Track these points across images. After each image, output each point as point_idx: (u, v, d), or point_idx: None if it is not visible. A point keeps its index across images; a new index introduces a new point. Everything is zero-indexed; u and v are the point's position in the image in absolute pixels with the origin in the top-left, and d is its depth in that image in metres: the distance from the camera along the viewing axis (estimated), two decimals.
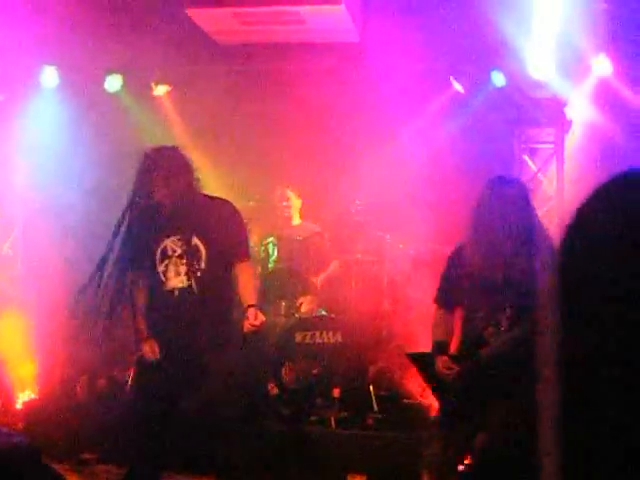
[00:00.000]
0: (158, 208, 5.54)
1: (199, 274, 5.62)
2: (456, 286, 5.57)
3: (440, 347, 5.53)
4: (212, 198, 5.90)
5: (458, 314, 5.72)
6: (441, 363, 5.38)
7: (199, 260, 5.62)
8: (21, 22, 8.27)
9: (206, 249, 5.65)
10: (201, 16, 8.16)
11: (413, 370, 6.09)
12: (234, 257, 5.84)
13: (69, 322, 8.28)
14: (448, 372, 5.34)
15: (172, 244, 5.66)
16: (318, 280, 8.74)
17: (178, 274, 5.62)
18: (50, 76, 9.60)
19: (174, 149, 5.75)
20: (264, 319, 5.73)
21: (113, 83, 9.68)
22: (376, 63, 8.81)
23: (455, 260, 5.61)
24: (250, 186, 9.30)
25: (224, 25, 8.28)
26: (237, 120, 9.30)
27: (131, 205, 5.46)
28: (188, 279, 5.61)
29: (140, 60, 9.24)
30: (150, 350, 5.62)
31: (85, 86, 9.66)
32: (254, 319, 5.62)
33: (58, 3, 8.30)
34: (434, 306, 5.78)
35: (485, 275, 5.34)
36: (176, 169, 5.61)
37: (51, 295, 8.40)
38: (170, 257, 5.64)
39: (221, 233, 5.70)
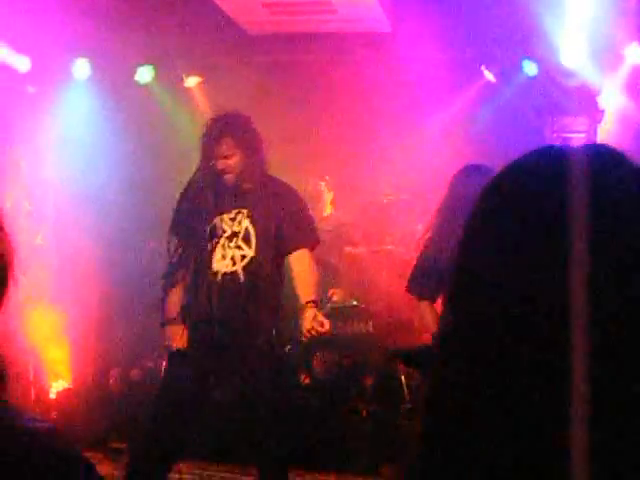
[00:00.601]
0: (220, 179, 5.16)
1: (247, 260, 5.10)
2: (439, 273, 5.52)
3: None
4: (277, 181, 5.48)
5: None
6: None
7: (249, 245, 5.11)
8: (52, 15, 8.30)
9: (259, 234, 5.14)
10: (232, 6, 8.16)
11: None
12: (291, 245, 5.28)
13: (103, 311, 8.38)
14: None
15: (223, 223, 5.16)
16: (343, 253, 8.76)
17: (224, 257, 5.11)
18: (82, 68, 9.63)
19: (250, 119, 5.35)
20: (328, 327, 5.18)
21: (144, 75, 9.71)
22: (407, 53, 8.78)
23: (437, 245, 5.49)
24: (284, 177, 9.30)
25: (255, 15, 8.29)
26: (268, 111, 9.28)
27: (203, 170, 5.20)
28: (234, 264, 5.10)
29: (171, 51, 9.28)
30: (175, 336, 5.17)
31: (117, 78, 9.69)
32: (319, 325, 5.10)
33: None
34: (413, 298, 5.67)
35: None
36: (255, 141, 5.26)
37: (84, 285, 8.46)
38: (219, 237, 5.14)
39: (279, 219, 5.19)
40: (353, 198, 9.32)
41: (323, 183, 9.21)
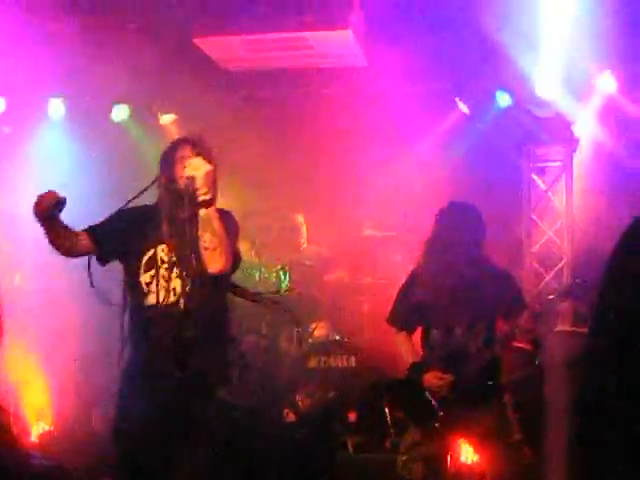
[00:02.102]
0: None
1: (191, 290, 4.68)
2: (420, 305, 5.67)
3: (421, 367, 5.59)
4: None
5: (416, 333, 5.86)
6: (432, 377, 5.47)
7: (190, 272, 4.68)
8: (27, 55, 8.31)
9: (198, 260, 4.68)
10: (208, 44, 8.17)
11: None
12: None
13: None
14: (441, 383, 5.44)
15: (162, 252, 4.74)
16: (325, 285, 8.81)
17: (165, 288, 4.69)
18: (56, 107, 9.64)
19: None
20: (207, 169, 4.60)
21: (119, 113, 9.73)
22: (382, 86, 8.85)
23: (420, 278, 5.70)
24: (259, 213, 9.32)
25: (231, 52, 8.30)
26: (245, 147, 9.31)
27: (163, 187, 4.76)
28: (175, 294, 4.69)
29: (146, 89, 9.28)
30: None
31: (91, 117, 9.69)
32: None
33: (63, 36, 8.33)
34: (393, 329, 5.85)
35: (462, 289, 5.48)
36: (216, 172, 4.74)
37: (63, 325, 8.40)
38: (159, 267, 4.72)
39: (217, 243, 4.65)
40: (331, 231, 9.34)
41: (300, 216, 9.25)
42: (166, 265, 4.76)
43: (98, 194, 9.02)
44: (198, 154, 4.72)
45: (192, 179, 4.62)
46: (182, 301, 4.70)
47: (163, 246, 4.77)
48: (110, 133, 9.69)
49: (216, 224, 4.63)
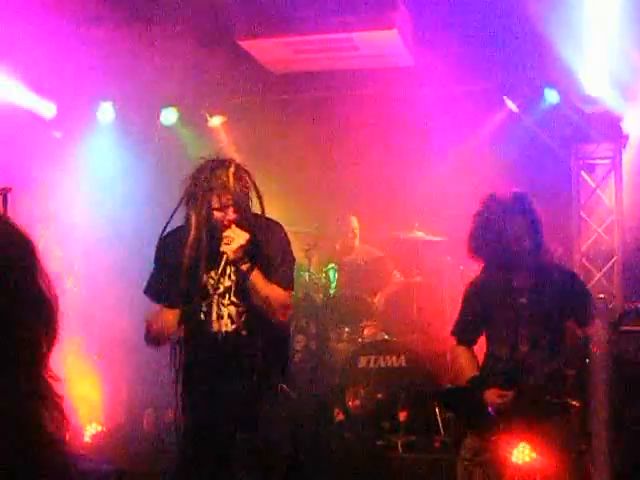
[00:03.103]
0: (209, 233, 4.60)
1: (247, 315, 4.69)
2: (482, 318, 5.52)
3: (480, 381, 5.41)
4: (258, 218, 4.77)
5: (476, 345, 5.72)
6: (493, 394, 5.27)
7: (245, 297, 4.66)
8: (77, 60, 8.40)
9: None
10: (254, 46, 8.23)
11: None
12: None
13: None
14: (501, 401, 5.29)
15: (212, 279, 4.69)
16: (377, 299, 8.80)
17: (221, 316, 4.68)
18: (106, 111, 9.76)
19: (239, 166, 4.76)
20: (241, 243, 4.56)
21: (168, 116, 9.82)
22: (429, 86, 8.84)
23: (480, 290, 5.53)
24: (308, 213, 9.35)
25: (277, 55, 8.36)
26: (293, 148, 9.35)
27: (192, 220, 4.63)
28: (233, 322, 4.68)
29: (195, 92, 9.36)
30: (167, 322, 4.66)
31: (141, 120, 9.78)
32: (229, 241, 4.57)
33: (112, 40, 8.42)
34: (453, 341, 5.68)
35: (527, 301, 5.32)
36: (247, 195, 4.68)
37: (114, 327, 8.48)
38: (212, 295, 4.69)
39: (269, 261, 4.69)
40: (381, 231, 9.35)
41: (353, 218, 9.29)
42: (219, 291, 4.73)
43: (148, 198, 9.11)
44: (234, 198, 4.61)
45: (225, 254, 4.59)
46: (241, 327, 4.70)
47: (212, 273, 4.70)
48: (159, 136, 9.77)
49: (263, 286, 4.62)
